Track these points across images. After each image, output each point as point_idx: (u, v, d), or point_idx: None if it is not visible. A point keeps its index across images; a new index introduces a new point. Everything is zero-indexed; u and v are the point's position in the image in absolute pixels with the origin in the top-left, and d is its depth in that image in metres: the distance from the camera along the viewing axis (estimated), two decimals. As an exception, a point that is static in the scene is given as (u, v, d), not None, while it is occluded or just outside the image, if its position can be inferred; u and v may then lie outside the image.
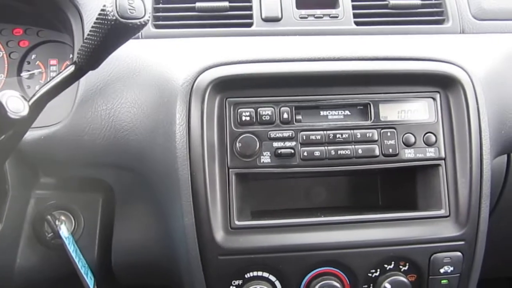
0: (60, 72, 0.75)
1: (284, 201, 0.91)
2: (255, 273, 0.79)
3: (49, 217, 0.90)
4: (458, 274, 0.82)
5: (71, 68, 0.74)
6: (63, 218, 0.94)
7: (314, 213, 0.83)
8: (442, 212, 0.82)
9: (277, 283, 0.79)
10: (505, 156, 0.98)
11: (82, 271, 0.91)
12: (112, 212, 0.94)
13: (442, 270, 0.81)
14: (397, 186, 0.91)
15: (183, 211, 0.78)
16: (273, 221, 0.80)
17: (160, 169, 0.82)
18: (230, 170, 0.79)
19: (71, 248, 0.91)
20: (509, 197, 0.99)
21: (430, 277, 0.81)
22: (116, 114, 0.84)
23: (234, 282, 0.79)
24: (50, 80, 0.75)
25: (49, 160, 0.88)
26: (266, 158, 0.79)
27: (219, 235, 0.77)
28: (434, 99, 0.84)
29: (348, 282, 0.80)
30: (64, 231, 0.91)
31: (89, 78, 0.85)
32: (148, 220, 0.92)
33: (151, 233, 0.92)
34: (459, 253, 0.81)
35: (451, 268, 0.81)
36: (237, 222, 0.79)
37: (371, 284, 0.81)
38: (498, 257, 1.25)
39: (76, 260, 0.91)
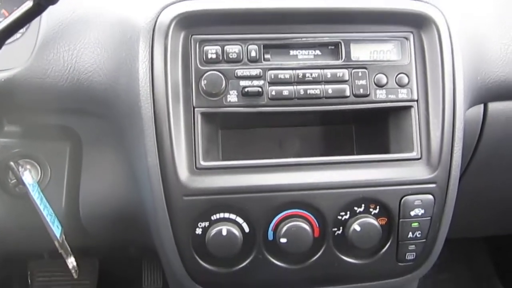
0: (17, 9, 0.72)
1: (254, 152, 0.88)
2: (221, 215, 0.77)
3: (12, 163, 0.87)
4: (429, 218, 0.80)
5: (29, 4, 0.71)
6: (28, 166, 0.91)
7: (283, 155, 0.80)
8: (413, 154, 0.80)
9: (245, 225, 0.78)
10: (481, 112, 0.96)
11: (48, 219, 0.89)
12: (79, 161, 0.92)
13: (412, 213, 0.80)
14: (370, 132, 0.89)
15: (147, 151, 0.76)
16: (240, 162, 0.78)
17: (124, 110, 0.79)
18: (196, 109, 0.77)
19: (36, 196, 0.88)
20: (484, 151, 0.98)
21: (401, 220, 0.80)
22: (79, 55, 0.81)
23: (200, 224, 0.77)
24: (6, 17, 0.72)
25: (12, 106, 0.85)
26: (232, 97, 0.77)
27: (183, 175, 0.75)
28: (407, 39, 0.81)
29: (317, 225, 0.79)
30: (27, 177, 0.88)
31: (51, 18, 0.82)
32: (115, 168, 0.90)
33: (118, 181, 0.90)
34: (430, 196, 0.80)
35: (422, 211, 0.80)
36: (202, 163, 0.76)
37: (341, 227, 0.80)
38: (472, 216, 1.26)
39: (41, 208, 0.88)
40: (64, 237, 0.94)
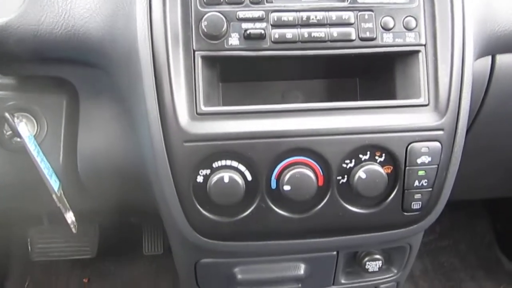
0: None
1: (256, 101, 0.86)
2: (223, 162, 0.75)
3: (7, 114, 0.85)
4: (435, 166, 0.78)
5: None
6: (24, 120, 0.89)
7: (287, 101, 0.78)
8: (421, 100, 0.77)
9: (247, 173, 0.75)
10: (488, 64, 0.93)
11: (46, 172, 0.87)
12: (77, 114, 0.90)
13: (419, 161, 0.78)
14: (375, 85, 0.86)
15: (145, 96, 0.73)
16: (242, 107, 0.75)
17: (121, 56, 0.76)
18: (196, 52, 0.74)
19: (32, 148, 0.86)
20: (490, 106, 0.95)
21: (407, 168, 0.78)
22: (74, 1, 0.78)
23: (201, 172, 0.75)
24: None
25: (5, 56, 0.82)
26: (234, 40, 0.74)
27: (184, 120, 0.73)
28: None
29: (322, 173, 0.77)
30: (23, 129, 0.86)
31: None
32: (114, 120, 0.88)
33: (117, 134, 0.88)
34: (437, 143, 0.77)
35: (429, 159, 0.78)
36: (203, 108, 0.74)
37: (345, 175, 0.77)
38: (477, 177, 1.24)
39: (38, 161, 0.86)
40: (62, 192, 0.92)
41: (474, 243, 2.13)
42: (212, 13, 0.73)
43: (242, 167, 0.75)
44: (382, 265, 0.95)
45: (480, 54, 0.87)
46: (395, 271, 1.01)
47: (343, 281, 0.99)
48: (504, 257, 2.05)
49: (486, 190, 1.39)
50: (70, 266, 1.92)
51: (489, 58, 0.93)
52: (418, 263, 2.03)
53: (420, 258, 2.05)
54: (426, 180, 0.79)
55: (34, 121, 0.90)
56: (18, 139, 0.88)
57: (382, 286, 1.03)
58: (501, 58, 0.92)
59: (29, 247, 1.82)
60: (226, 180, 0.73)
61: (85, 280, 1.88)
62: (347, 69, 0.88)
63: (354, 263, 0.97)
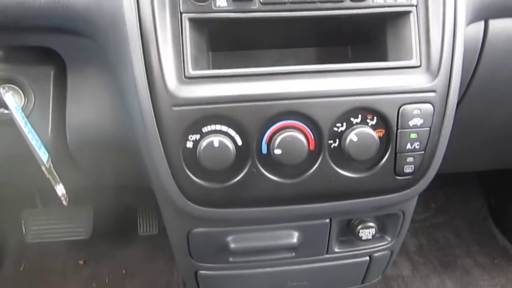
0: None
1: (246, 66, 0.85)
2: (212, 127, 0.74)
3: (-7, 84, 0.83)
4: (428, 128, 0.78)
5: None
6: (10, 92, 0.87)
7: (276, 58, 0.77)
8: (413, 61, 0.77)
9: (237, 138, 0.75)
10: (481, 29, 0.92)
11: (34, 144, 0.86)
12: (64, 86, 0.89)
13: (411, 123, 0.77)
14: (367, 46, 0.85)
15: (133, 60, 0.72)
16: (231, 70, 0.74)
17: (107, 22, 0.75)
18: (183, 15, 0.72)
19: (19, 118, 0.85)
20: (483, 72, 0.94)
21: (399, 130, 0.77)
22: None
23: (190, 137, 0.74)
24: None
25: None
26: (222, 2, 0.72)
27: (172, 84, 0.72)
28: None
29: (313, 137, 0.76)
30: (9, 99, 0.84)
31: None
32: (102, 90, 0.87)
33: (105, 104, 0.87)
34: (429, 105, 0.77)
35: (421, 121, 0.77)
36: (191, 71, 0.73)
37: (337, 139, 0.77)
38: (469, 148, 1.24)
39: (26, 132, 0.85)
40: (51, 164, 0.91)
41: (469, 219, 2.14)
42: None
43: (232, 132, 0.74)
44: (375, 233, 0.95)
45: (473, 19, 0.86)
46: (389, 239, 1.01)
47: (336, 250, 0.99)
48: (498, 232, 2.07)
49: (481, 162, 1.39)
50: (66, 248, 1.92)
51: (482, 24, 0.91)
52: (413, 239, 2.04)
53: (415, 235, 2.07)
54: (418, 143, 0.78)
55: (21, 93, 0.89)
56: (5, 111, 0.86)
57: (375, 255, 1.03)
58: (494, 24, 0.91)
59: (23, 229, 1.82)
60: (216, 144, 0.73)
61: (81, 262, 1.88)
62: (338, 36, 0.86)
63: (347, 231, 0.97)
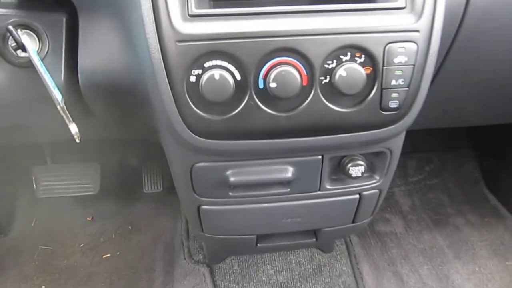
0: None
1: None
2: (214, 62, 0.80)
3: (10, 26, 0.90)
4: (412, 65, 0.84)
5: None
6: (26, 36, 0.94)
7: (273, 3, 0.83)
8: (399, 3, 0.83)
9: (236, 73, 0.81)
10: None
11: (49, 83, 0.93)
12: (76, 31, 0.95)
13: (396, 60, 0.83)
14: None
15: (141, 1, 0.78)
16: (231, 9, 0.80)
17: None
18: None
19: (36, 59, 0.91)
20: (469, 25, 0.98)
21: (385, 67, 0.83)
22: None
23: (193, 72, 0.81)
24: None
25: None
26: None
27: (177, 21, 0.78)
28: None
29: (306, 73, 0.82)
30: (27, 41, 0.91)
31: None
32: (111, 34, 0.92)
33: (114, 47, 0.93)
34: (413, 44, 0.83)
35: (405, 59, 0.83)
36: (194, 10, 0.79)
37: (328, 76, 0.83)
38: (457, 104, 1.29)
39: (43, 71, 0.92)
40: (65, 106, 0.98)
41: (461, 181, 2.21)
42: None
43: (231, 67, 0.81)
44: (364, 171, 1.02)
45: None
46: (377, 177, 1.08)
47: (328, 187, 1.06)
48: (489, 193, 2.14)
49: (471, 118, 1.44)
50: (74, 206, 2.00)
51: None
52: (408, 199, 2.12)
53: (409, 196, 2.14)
54: (402, 79, 0.84)
55: (36, 38, 0.95)
56: (22, 54, 0.93)
57: (365, 193, 1.10)
58: None
59: (34, 185, 1.90)
60: (216, 77, 0.79)
61: (89, 219, 1.97)
62: None
63: (338, 170, 1.05)
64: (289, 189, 1.05)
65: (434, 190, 2.18)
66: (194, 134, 0.87)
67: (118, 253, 1.81)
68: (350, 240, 1.85)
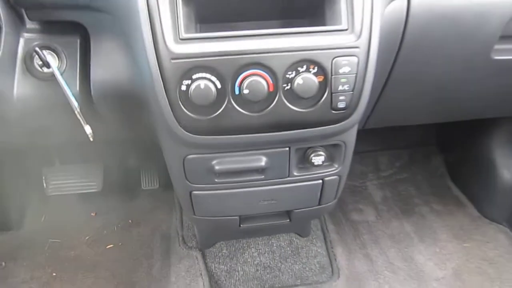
0: None
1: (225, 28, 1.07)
2: (200, 74, 1.01)
3: (37, 48, 1.12)
4: (354, 74, 1.05)
5: None
6: (48, 55, 1.16)
7: (247, 27, 1.04)
8: (342, 26, 1.04)
9: (217, 82, 1.02)
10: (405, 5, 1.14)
11: (68, 92, 1.15)
12: (89, 50, 1.14)
13: (341, 71, 1.04)
14: (312, 16, 1.09)
15: (142, 27, 0.99)
16: (213, 33, 1.01)
17: (123, 1, 1.03)
18: None
19: (58, 73, 1.13)
20: (409, 42, 1.16)
21: (333, 76, 1.04)
22: None
23: (184, 82, 1.02)
24: None
25: (34, 4, 1.08)
26: None
27: (170, 43, 1.00)
28: None
29: (271, 81, 1.04)
30: (51, 59, 1.13)
31: None
32: (118, 53, 1.11)
33: (121, 64, 1.11)
34: (355, 57, 1.04)
35: (349, 69, 1.04)
36: (184, 34, 1.01)
37: (289, 83, 1.04)
38: (412, 104, 1.49)
39: (63, 83, 1.14)
40: (80, 111, 1.20)
41: (428, 174, 2.42)
42: None
43: (213, 78, 1.02)
44: (325, 160, 1.24)
45: None
46: (336, 165, 1.30)
47: (295, 174, 1.28)
48: (453, 184, 2.35)
49: (417, 117, 1.64)
50: (79, 203, 2.17)
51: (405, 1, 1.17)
52: (380, 192, 2.33)
53: (381, 189, 2.35)
54: (348, 85, 1.06)
55: (56, 56, 1.17)
56: (46, 70, 1.15)
57: (327, 179, 1.32)
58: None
59: (44, 184, 2.09)
60: (202, 86, 1.01)
61: (93, 214, 2.14)
62: (294, 10, 1.12)
63: (304, 160, 1.27)
64: (263, 176, 1.22)
65: (404, 183, 2.39)
66: (186, 131, 1.09)
67: (120, 244, 1.91)
68: (326, 227, 2.07)
